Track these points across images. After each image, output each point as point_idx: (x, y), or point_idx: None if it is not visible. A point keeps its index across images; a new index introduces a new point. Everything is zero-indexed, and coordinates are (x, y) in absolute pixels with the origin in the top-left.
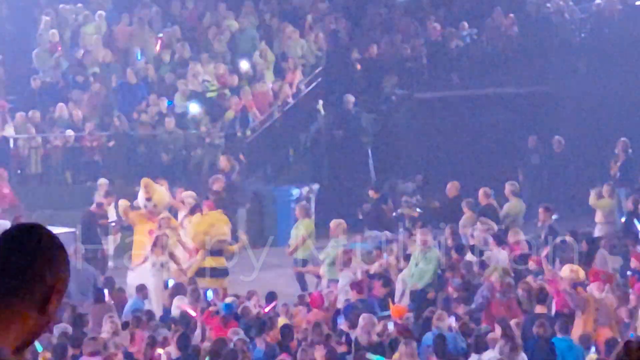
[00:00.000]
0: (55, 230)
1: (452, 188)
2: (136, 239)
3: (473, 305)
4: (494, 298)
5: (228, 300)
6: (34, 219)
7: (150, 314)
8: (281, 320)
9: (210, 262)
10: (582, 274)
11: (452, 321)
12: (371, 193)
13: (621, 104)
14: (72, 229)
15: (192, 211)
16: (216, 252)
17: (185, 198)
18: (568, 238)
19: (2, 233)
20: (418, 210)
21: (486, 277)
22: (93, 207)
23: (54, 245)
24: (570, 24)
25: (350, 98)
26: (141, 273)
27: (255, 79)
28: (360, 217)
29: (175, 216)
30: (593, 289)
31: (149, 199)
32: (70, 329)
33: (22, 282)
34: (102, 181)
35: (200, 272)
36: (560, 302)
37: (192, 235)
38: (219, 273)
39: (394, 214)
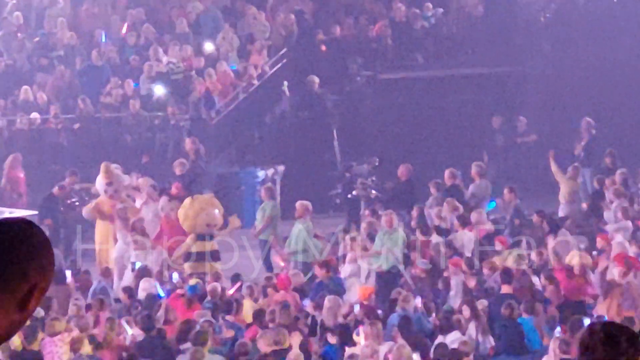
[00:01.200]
0: (18, 213)
1: (403, 170)
2: (100, 228)
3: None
4: (504, 285)
5: (192, 282)
6: None
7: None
8: (246, 302)
9: (200, 247)
10: (589, 259)
11: (417, 302)
12: (339, 173)
13: (585, 84)
14: (35, 212)
15: (160, 194)
16: (206, 236)
17: (142, 185)
18: (535, 218)
19: None
20: (374, 192)
21: (500, 263)
22: (55, 189)
23: (41, 243)
24: (535, 4)
25: (315, 79)
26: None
27: (219, 61)
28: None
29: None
30: (616, 273)
31: (109, 184)
32: (42, 312)
33: (5, 278)
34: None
35: (190, 257)
36: (570, 289)
37: (181, 220)
38: (210, 257)
39: (349, 195)
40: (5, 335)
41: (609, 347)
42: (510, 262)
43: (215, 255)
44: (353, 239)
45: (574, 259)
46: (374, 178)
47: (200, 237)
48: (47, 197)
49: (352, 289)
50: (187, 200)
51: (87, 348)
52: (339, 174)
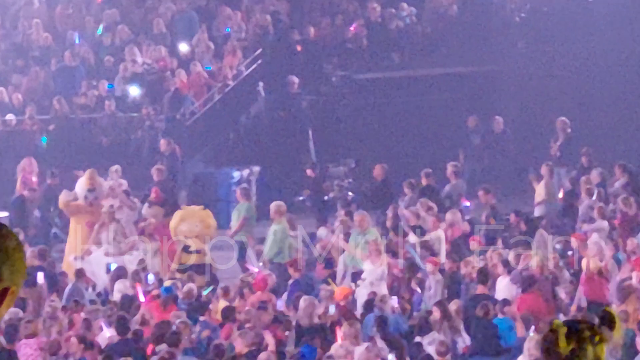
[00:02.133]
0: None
1: (379, 171)
2: (73, 230)
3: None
4: (531, 287)
5: (167, 283)
6: None
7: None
8: (222, 303)
9: (185, 259)
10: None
11: (394, 302)
12: (309, 172)
13: (561, 83)
14: (7, 214)
15: (143, 201)
16: (191, 248)
17: (117, 188)
18: (512, 218)
19: None
20: (350, 194)
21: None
22: (25, 191)
23: (13, 246)
24: (510, 3)
25: (295, 79)
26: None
27: (193, 61)
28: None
29: None
30: (635, 278)
31: (91, 190)
32: (21, 313)
33: None
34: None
35: (181, 269)
36: (589, 291)
37: (172, 232)
38: (196, 270)
39: (325, 197)
40: None
41: (573, 339)
42: (533, 265)
43: (201, 269)
44: (368, 242)
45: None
46: (350, 180)
47: (186, 249)
48: (16, 199)
49: (363, 291)
50: (178, 212)
51: (63, 350)
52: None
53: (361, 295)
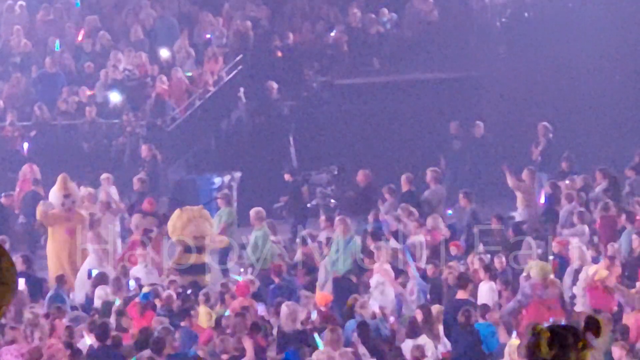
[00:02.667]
0: None
1: (362, 176)
2: (55, 240)
3: (512, 304)
4: (535, 297)
5: (145, 289)
6: None
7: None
8: (202, 308)
9: (188, 259)
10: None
11: (375, 308)
12: (287, 177)
13: (542, 88)
14: None
15: (131, 211)
16: (194, 248)
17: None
18: (494, 225)
19: None
20: (333, 201)
21: (526, 273)
22: (2, 198)
23: (9, 268)
24: (491, 8)
25: (274, 85)
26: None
27: (175, 67)
28: (279, 204)
29: None
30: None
31: (67, 196)
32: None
33: None
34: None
35: (179, 269)
36: (595, 300)
37: (170, 231)
38: (197, 270)
39: (308, 204)
40: None
41: (556, 344)
42: (534, 274)
43: (201, 269)
44: (379, 248)
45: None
46: (333, 187)
47: (188, 250)
48: None
49: (378, 297)
50: (176, 212)
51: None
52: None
53: (373, 305)
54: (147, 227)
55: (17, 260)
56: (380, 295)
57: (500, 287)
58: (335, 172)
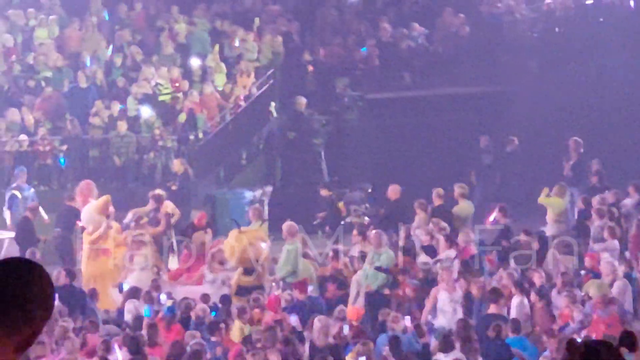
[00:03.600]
0: (5, 235)
1: (393, 191)
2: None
3: (574, 325)
4: (595, 315)
5: (168, 303)
6: None
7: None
8: (237, 323)
9: (247, 281)
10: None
11: (407, 322)
12: (323, 192)
13: (573, 103)
14: (13, 234)
15: (187, 231)
16: (251, 270)
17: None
18: (523, 238)
19: (2, 265)
20: (367, 218)
21: (584, 293)
22: (27, 212)
23: (50, 291)
24: (522, 23)
25: (302, 100)
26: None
27: (207, 82)
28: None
29: None
30: None
31: (108, 217)
32: None
33: (12, 320)
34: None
35: (238, 291)
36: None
37: (228, 254)
38: (248, 292)
39: (342, 222)
40: None
41: (590, 357)
42: (592, 293)
43: (258, 289)
44: (446, 268)
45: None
46: (367, 205)
47: (247, 272)
48: (22, 221)
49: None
50: (234, 233)
51: None
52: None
53: (439, 323)
54: (202, 242)
55: (61, 274)
56: (451, 314)
57: (535, 299)
58: (370, 190)
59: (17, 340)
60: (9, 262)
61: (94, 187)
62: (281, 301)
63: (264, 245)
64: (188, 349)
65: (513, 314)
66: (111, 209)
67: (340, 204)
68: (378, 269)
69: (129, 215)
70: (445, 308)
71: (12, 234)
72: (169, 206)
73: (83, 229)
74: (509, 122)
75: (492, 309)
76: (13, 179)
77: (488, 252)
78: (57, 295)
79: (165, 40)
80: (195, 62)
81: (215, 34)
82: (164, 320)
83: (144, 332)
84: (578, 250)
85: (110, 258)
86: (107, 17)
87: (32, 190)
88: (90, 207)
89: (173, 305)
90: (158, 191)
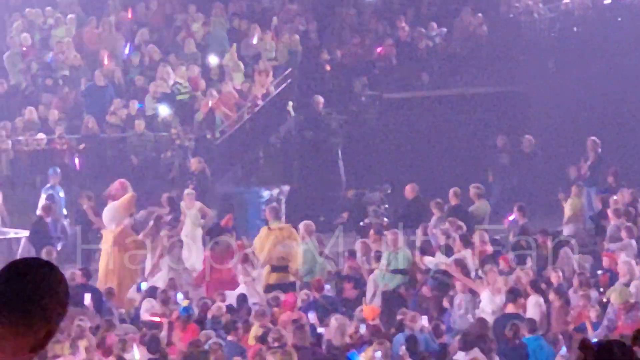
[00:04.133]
0: (21, 234)
1: (410, 190)
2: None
3: (599, 331)
4: (620, 321)
5: (184, 303)
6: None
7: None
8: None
9: (275, 279)
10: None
11: (424, 321)
12: (349, 193)
13: (591, 103)
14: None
15: (212, 234)
16: (281, 268)
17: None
18: (540, 237)
19: (20, 264)
20: (385, 220)
21: (606, 299)
22: (41, 212)
23: (64, 289)
24: (540, 23)
25: (319, 99)
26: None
27: (224, 81)
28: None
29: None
30: None
31: (132, 215)
32: None
33: (30, 320)
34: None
35: (268, 288)
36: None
37: (257, 250)
38: (284, 289)
39: (361, 223)
40: None
41: (603, 357)
42: (614, 299)
43: (290, 288)
44: (490, 271)
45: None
46: (386, 206)
47: (276, 269)
48: (37, 221)
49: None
50: (264, 231)
51: None
52: (348, 201)
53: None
54: (228, 244)
55: (77, 273)
56: (491, 314)
57: (553, 298)
58: (389, 191)
59: (33, 339)
60: (25, 262)
61: (129, 186)
62: (297, 300)
63: (294, 243)
64: (206, 347)
65: (529, 313)
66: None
67: (365, 203)
68: (395, 271)
69: (142, 213)
70: (486, 309)
71: (27, 233)
72: (198, 206)
73: (98, 228)
74: (527, 122)
75: (510, 308)
76: (49, 178)
77: (503, 252)
78: (72, 294)
79: (183, 39)
80: (213, 61)
81: (233, 33)
82: (180, 320)
83: (163, 331)
84: (595, 249)
85: (130, 258)
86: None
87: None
88: (114, 206)
89: (189, 305)
90: (171, 194)
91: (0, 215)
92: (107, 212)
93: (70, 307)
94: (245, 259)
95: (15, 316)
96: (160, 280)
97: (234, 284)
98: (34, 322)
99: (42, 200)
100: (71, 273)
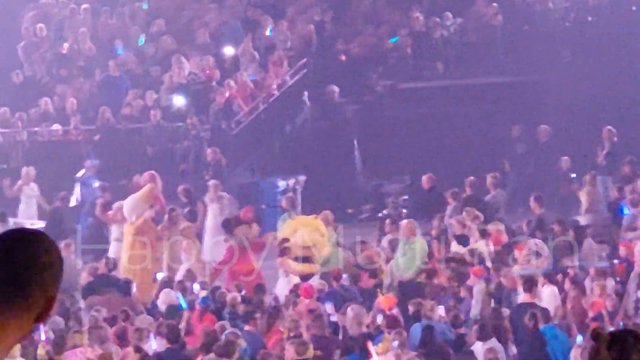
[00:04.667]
0: (37, 225)
1: (427, 180)
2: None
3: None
4: None
5: (202, 293)
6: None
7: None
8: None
9: (298, 269)
10: None
11: (441, 311)
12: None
13: (606, 92)
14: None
15: (228, 225)
16: (304, 259)
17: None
18: (556, 227)
19: (7, 237)
20: (404, 211)
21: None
22: (58, 202)
23: (56, 256)
24: (554, 12)
25: (335, 89)
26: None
27: (239, 71)
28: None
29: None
30: None
31: (152, 206)
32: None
33: (27, 291)
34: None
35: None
36: None
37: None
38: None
39: (379, 214)
40: (15, 343)
41: (616, 348)
42: None
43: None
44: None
45: None
46: (405, 197)
47: (300, 259)
48: (52, 209)
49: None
50: (288, 221)
51: None
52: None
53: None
54: (246, 236)
55: (101, 263)
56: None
57: (569, 287)
58: (408, 183)
59: (36, 310)
60: (13, 233)
61: (157, 177)
62: (315, 289)
63: (316, 234)
64: (223, 337)
65: (544, 303)
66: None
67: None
68: (409, 261)
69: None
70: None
71: (43, 224)
72: (225, 198)
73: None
74: (542, 111)
75: (526, 298)
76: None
77: (519, 242)
78: (96, 284)
79: (197, 29)
80: (228, 51)
81: (248, 23)
82: (198, 310)
83: (182, 321)
84: (611, 239)
85: (149, 249)
86: (145, 7)
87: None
88: (134, 197)
89: (206, 296)
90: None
91: (38, 205)
92: (128, 204)
93: (107, 296)
94: (284, 252)
95: (9, 290)
96: (183, 272)
97: (254, 276)
98: (29, 293)
99: (77, 191)
100: (94, 264)
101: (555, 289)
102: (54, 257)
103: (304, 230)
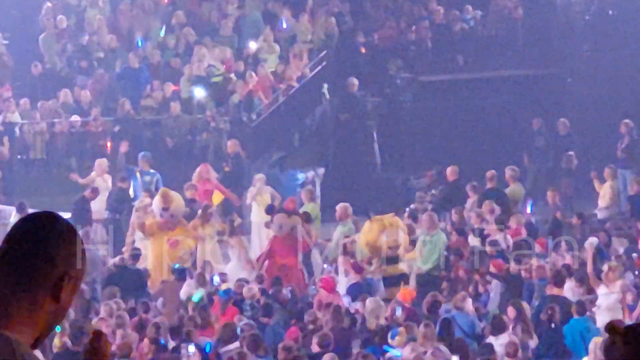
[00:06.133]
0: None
1: (451, 172)
2: (154, 249)
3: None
4: None
5: (224, 286)
6: (37, 204)
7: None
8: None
9: (385, 271)
10: None
11: (468, 304)
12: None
13: (626, 85)
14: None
15: (272, 212)
16: (391, 259)
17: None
18: (576, 221)
19: (18, 221)
20: (430, 205)
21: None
22: (87, 192)
23: (66, 231)
24: (575, 6)
25: (354, 81)
26: None
27: (259, 64)
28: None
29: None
30: None
31: (165, 209)
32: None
33: (33, 263)
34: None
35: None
36: None
37: (362, 244)
38: (395, 281)
39: (407, 209)
40: (46, 329)
41: (632, 342)
42: None
43: (398, 280)
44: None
45: None
46: (433, 192)
47: (387, 261)
48: (79, 200)
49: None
50: (367, 223)
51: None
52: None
53: (599, 322)
54: (292, 227)
55: (125, 254)
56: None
57: (575, 284)
58: (436, 178)
59: (48, 285)
60: (29, 215)
61: (211, 170)
62: (335, 283)
63: (400, 233)
64: (238, 330)
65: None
66: (177, 201)
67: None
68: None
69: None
70: (602, 305)
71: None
72: (269, 191)
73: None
74: (562, 104)
75: (556, 291)
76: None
77: (539, 235)
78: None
79: (218, 21)
80: (249, 44)
81: (268, 15)
82: (219, 303)
83: (196, 314)
84: (631, 232)
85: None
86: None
87: (158, 175)
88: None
89: (229, 289)
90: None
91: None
92: (177, 202)
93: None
94: (346, 251)
95: (15, 262)
96: (231, 271)
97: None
98: (34, 264)
99: (140, 185)
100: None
101: (574, 283)
102: (60, 232)
103: (390, 230)
